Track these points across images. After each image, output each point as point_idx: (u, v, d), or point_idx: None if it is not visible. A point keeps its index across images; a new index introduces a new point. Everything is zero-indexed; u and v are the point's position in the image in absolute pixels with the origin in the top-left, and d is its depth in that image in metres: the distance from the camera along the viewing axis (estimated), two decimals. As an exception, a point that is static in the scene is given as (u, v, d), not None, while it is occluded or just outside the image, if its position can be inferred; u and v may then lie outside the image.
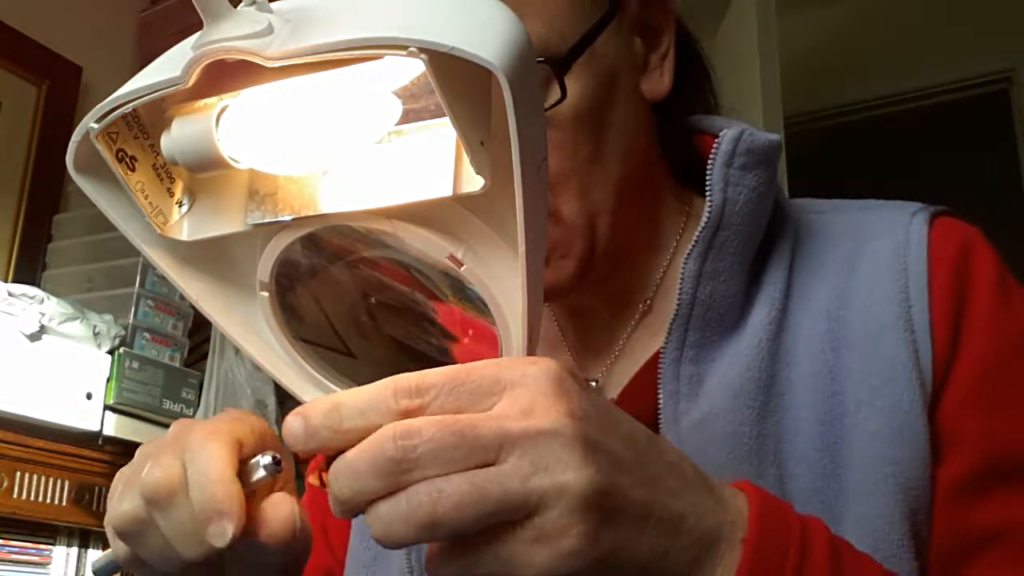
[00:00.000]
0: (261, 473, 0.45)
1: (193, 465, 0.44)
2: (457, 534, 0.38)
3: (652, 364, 0.63)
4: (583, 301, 0.68)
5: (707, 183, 0.60)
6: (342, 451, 0.39)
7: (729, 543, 0.42)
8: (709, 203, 0.60)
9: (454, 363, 0.42)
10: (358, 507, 0.39)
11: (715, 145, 0.60)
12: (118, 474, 0.50)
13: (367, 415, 0.39)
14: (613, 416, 0.42)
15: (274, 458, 0.45)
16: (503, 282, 0.44)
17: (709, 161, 0.60)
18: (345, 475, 0.39)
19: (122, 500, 0.46)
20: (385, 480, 0.38)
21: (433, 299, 0.48)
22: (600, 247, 0.62)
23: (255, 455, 0.46)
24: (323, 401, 0.40)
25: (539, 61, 0.56)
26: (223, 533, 0.42)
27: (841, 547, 0.47)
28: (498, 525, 0.38)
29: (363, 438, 0.39)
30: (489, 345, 0.46)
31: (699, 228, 0.60)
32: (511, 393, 0.39)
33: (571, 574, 0.38)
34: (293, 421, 0.40)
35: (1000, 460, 0.56)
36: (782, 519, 0.45)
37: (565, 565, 0.38)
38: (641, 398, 0.62)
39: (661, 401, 0.60)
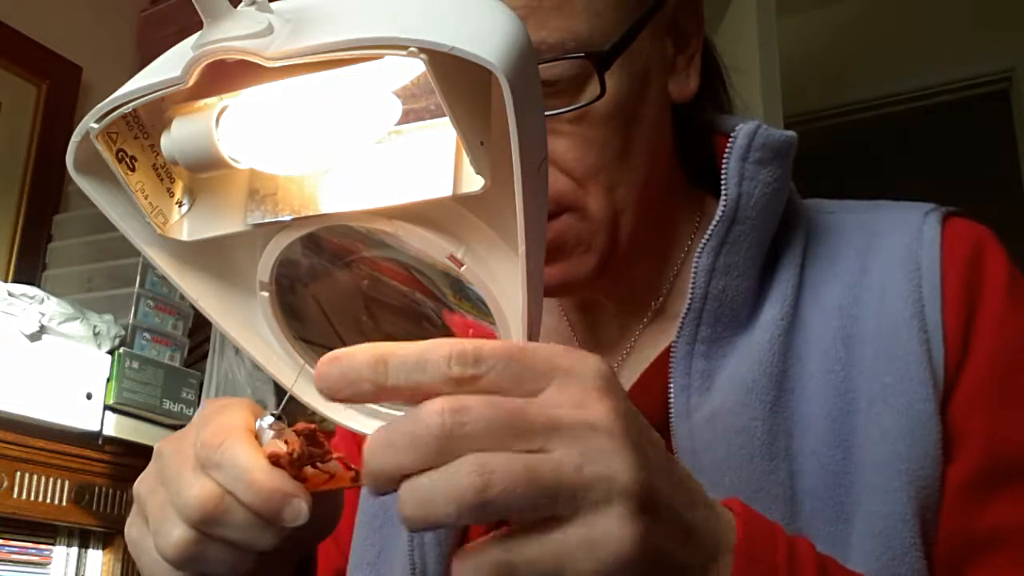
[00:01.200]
0: (269, 434, 0.45)
1: (224, 472, 0.42)
2: (503, 517, 0.36)
3: (663, 360, 0.63)
4: (596, 298, 0.68)
5: (722, 177, 0.61)
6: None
7: (725, 558, 0.42)
8: (724, 197, 0.60)
9: None
10: (391, 483, 0.37)
11: (731, 140, 0.61)
12: (136, 501, 0.48)
13: (416, 375, 0.37)
14: (644, 421, 0.42)
15: (272, 415, 0.45)
16: (503, 282, 0.44)
17: (724, 155, 0.61)
18: (384, 445, 0.37)
19: (169, 532, 0.44)
20: (428, 455, 0.36)
21: (434, 300, 0.48)
22: (622, 244, 0.62)
23: None
24: (364, 351, 0.38)
25: (580, 57, 0.56)
26: (299, 511, 0.41)
27: (828, 564, 0.47)
28: (546, 519, 0.37)
29: (405, 397, 0.37)
30: None
31: (714, 222, 0.60)
32: (561, 381, 0.39)
33: (622, 572, 0.37)
34: (329, 368, 0.38)
35: (1005, 460, 0.56)
36: (769, 537, 0.45)
37: (620, 565, 0.37)
38: (652, 393, 0.62)
39: (672, 396, 0.60)
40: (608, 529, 0.36)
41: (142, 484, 0.47)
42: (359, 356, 0.38)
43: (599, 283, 0.64)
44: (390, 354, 0.38)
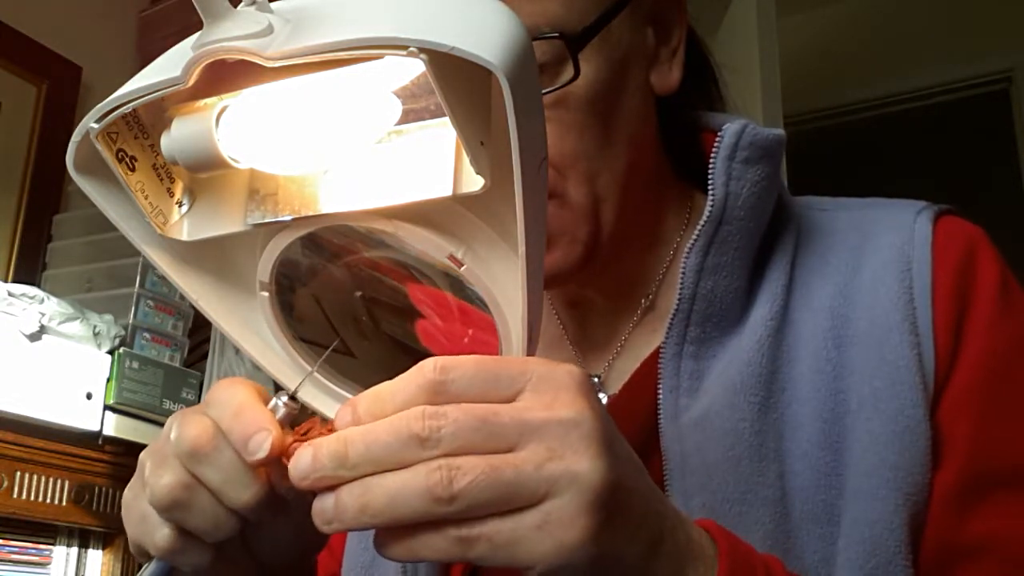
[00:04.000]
0: (283, 411, 0.46)
1: (219, 408, 0.44)
2: (465, 515, 0.38)
3: (653, 360, 0.63)
4: (584, 293, 0.68)
5: (709, 177, 0.60)
6: None
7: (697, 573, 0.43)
8: (711, 197, 0.60)
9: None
10: (360, 475, 0.39)
11: (717, 139, 0.61)
12: (138, 468, 0.49)
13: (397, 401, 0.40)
14: (616, 431, 0.42)
15: (289, 396, 0.46)
16: (503, 282, 0.44)
17: (712, 155, 0.60)
18: (363, 442, 0.39)
19: (160, 475, 0.45)
20: (403, 453, 0.38)
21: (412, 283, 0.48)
22: (604, 233, 0.62)
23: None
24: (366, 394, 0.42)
25: (554, 37, 0.56)
26: (262, 444, 0.42)
27: None
28: (506, 511, 0.38)
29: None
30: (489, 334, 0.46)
31: (701, 222, 0.60)
32: (535, 386, 0.40)
33: (565, 567, 0.38)
34: (342, 411, 0.41)
35: (991, 467, 0.56)
36: (745, 556, 0.45)
37: (564, 557, 0.38)
38: (642, 394, 0.62)
39: (661, 397, 0.60)
40: (562, 515, 0.38)
41: (148, 450, 0.48)
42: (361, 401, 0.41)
43: (586, 275, 0.64)
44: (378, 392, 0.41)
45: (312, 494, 0.40)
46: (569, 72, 0.57)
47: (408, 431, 0.38)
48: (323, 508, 0.39)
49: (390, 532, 0.40)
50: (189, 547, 0.46)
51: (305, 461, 0.40)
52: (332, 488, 0.39)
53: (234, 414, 0.44)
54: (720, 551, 0.44)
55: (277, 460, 0.43)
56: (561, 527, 0.38)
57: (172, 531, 0.46)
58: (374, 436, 0.39)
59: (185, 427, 0.44)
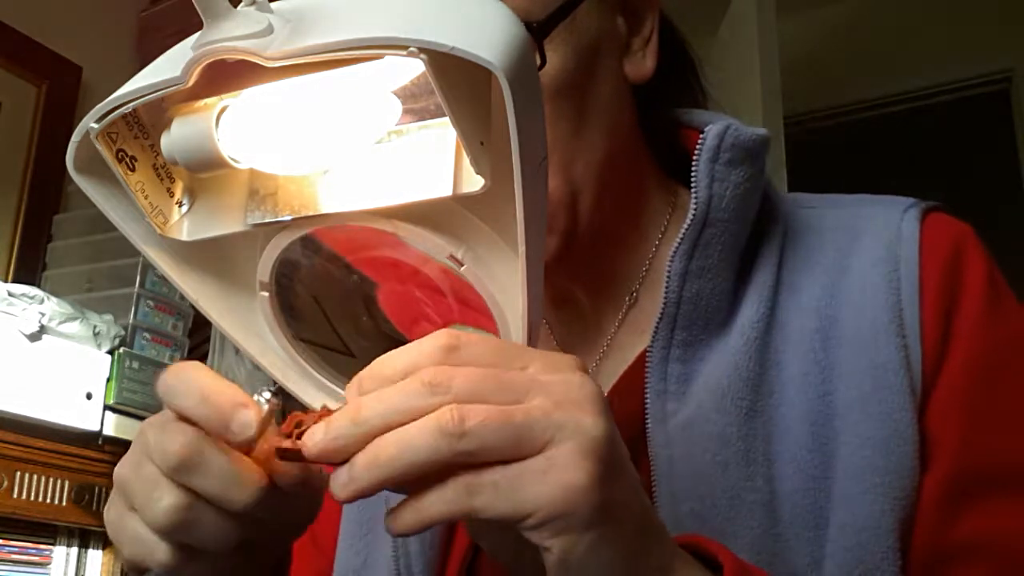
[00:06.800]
0: (267, 407, 0.44)
1: (182, 399, 0.42)
2: (473, 456, 0.38)
3: (640, 364, 0.62)
4: (568, 289, 0.67)
5: (692, 179, 0.60)
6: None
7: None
8: (695, 200, 0.60)
9: None
10: (375, 431, 0.39)
11: (700, 140, 0.60)
12: (117, 486, 0.47)
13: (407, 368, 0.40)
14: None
15: (269, 390, 0.45)
16: (503, 282, 0.44)
17: (694, 157, 0.60)
18: (375, 397, 0.39)
19: (157, 499, 0.43)
20: (414, 401, 0.39)
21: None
22: (583, 225, 0.62)
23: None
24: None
25: None
26: (246, 420, 0.42)
27: None
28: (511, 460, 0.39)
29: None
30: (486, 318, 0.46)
31: (685, 225, 0.60)
32: (542, 360, 0.41)
33: (567, 515, 0.38)
34: (351, 385, 0.41)
35: (978, 470, 0.55)
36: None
37: (569, 500, 0.38)
38: (629, 398, 0.61)
39: (648, 401, 0.59)
40: (567, 460, 0.38)
41: (124, 466, 0.46)
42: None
43: (569, 268, 0.63)
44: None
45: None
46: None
47: (419, 381, 0.39)
48: (338, 473, 0.40)
49: (399, 504, 0.40)
50: (193, 560, 0.45)
51: (319, 430, 0.40)
52: (346, 462, 0.39)
53: (201, 400, 0.42)
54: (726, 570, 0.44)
55: (270, 455, 0.42)
56: (566, 471, 0.38)
57: (172, 548, 0.44)
58: (386, 391, 0.39)
59: (165, 441, 0.42)
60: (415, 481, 0.39)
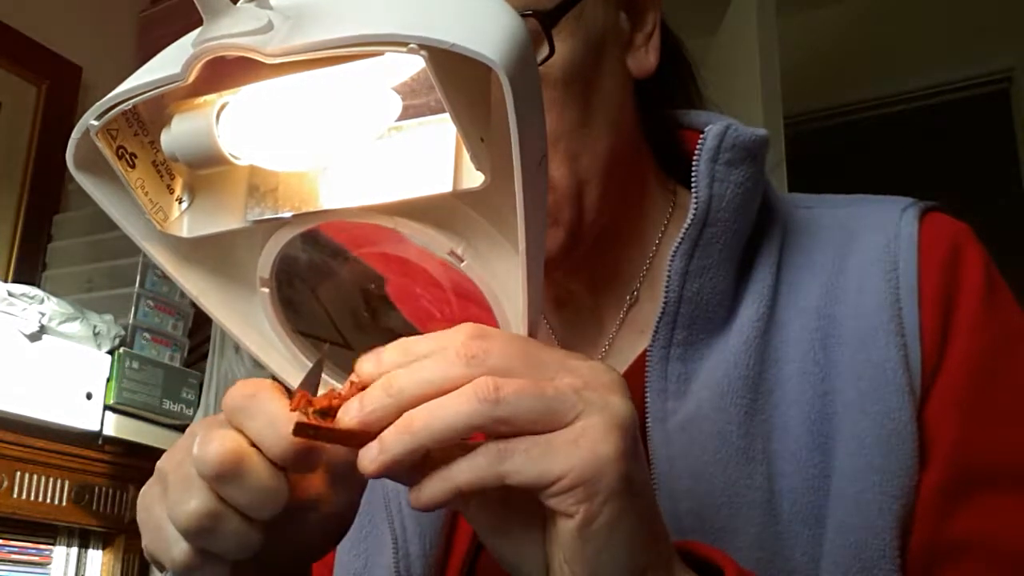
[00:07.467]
0: None
1: (248, 418, 0.42)
2: (506, 421, 0.39)
3: (640, 363, 0.63)
4: (570, 289, 0.68)
5: (692, 179, 0.60)
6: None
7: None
8: (695, 200, 0.60)
9: None
10: (412, 400, 0.40)
11: (700, 141, 0.60)
12: (156, 474, 0.47)
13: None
14: None
15: (290, 391, 0.45)
16: (503, 278, 0.44)
17: (694, 157, 0.60)
18: (408, 370, 0.40)
19: (186, 500, 0.43)
20: (450, 371, 0.40)
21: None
22: (588, 218, 0.62)
23: None
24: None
25: (526, 15, 0.56)
26: (310, 463, 0.43)
27: None
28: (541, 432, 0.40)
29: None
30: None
31: (685, 225, 0.60)
32: (563, 351, 0.43)
33: (595, 480, 0.39)
34: (364, 359, 0.42)
35: (975, 468, 0.55)
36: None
37: (599, 467, 0.39)
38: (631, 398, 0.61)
39: (648, 400, 0.60)
40: (596, 432, 0.40)
41: (167, 459, 0.46)
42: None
43: (572, 264, 0.63)
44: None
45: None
46: (544, 51, 0.57)
47: (455, 352, 0.40)
48: (367, 447, 0.40)
49: (426, 474, 0.40)
50: (207, 564, 0.45)
51: (354, 404, 0.40)
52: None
53: (268, 423, 0.42)
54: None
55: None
56: (595, 441, 0.39)
57: (191, 548, 0.44)
58: (421, 364, 0.40)
59: (210, 445, 0.42)
60: (422, 468, 0.40)
